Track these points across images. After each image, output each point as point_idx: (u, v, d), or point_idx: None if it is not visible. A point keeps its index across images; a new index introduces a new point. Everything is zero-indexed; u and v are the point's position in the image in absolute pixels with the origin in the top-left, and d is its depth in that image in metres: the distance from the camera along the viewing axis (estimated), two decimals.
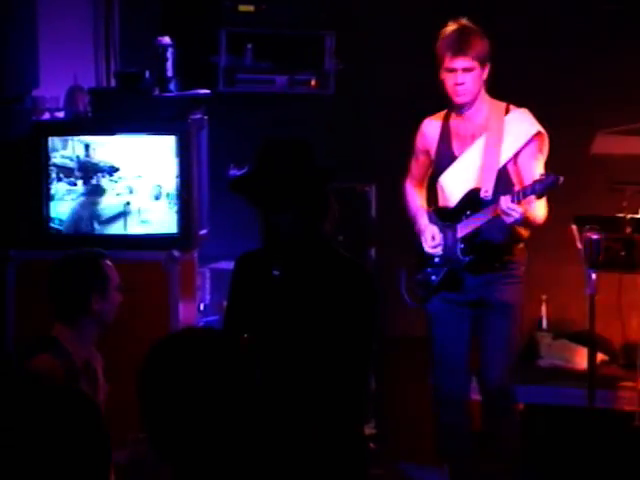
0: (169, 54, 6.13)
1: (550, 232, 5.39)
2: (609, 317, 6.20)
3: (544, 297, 5.95)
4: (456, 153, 5.32)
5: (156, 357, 2.51)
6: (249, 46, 6.50)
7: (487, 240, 5.24)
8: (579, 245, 5.70)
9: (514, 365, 5.39)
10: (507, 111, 5.28)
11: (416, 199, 5.49)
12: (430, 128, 5.41)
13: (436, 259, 5.36)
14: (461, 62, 5.19)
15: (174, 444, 2.48)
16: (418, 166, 5.51)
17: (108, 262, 4.28)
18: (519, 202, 4.97)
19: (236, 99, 6.47)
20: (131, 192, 5.86)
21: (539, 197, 5.00)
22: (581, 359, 5.97)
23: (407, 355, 5.92)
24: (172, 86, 6.13)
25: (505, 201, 4.97)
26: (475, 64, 5.20)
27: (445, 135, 5.37)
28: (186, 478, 2.50)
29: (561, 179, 4.96)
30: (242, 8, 6.49)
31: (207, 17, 6.55)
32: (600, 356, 5.96)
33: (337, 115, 6.57)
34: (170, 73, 6.12)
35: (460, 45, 5.19)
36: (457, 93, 5.23)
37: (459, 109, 5.28)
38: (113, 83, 6.35)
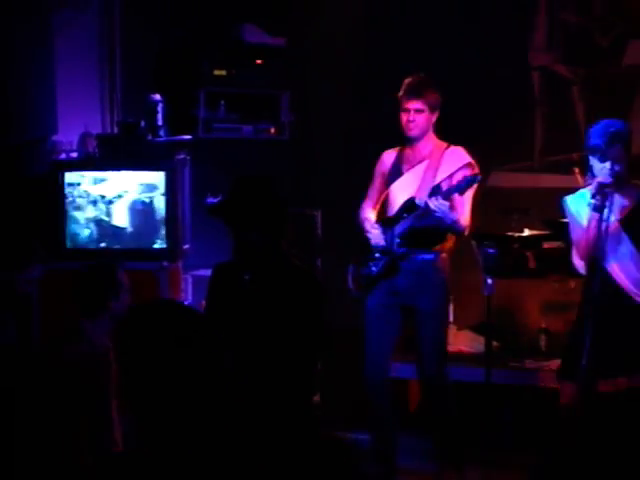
0: (159, 108, 6.26)
1: (454, 244, 5.41)
2: (502, 312, 6.21)
3: (451, 297, 5.87)
4: (404, 172, 5.40)
5: (130, 319, 2.42)
6: (222, 102, 6.50)
7: (418, 235, 5.27)
8: (478, 257, 5.73)
9: (445, 354, 5.40)
10: (447, 147, 5.35)
11: (367, 211, 5.48)
12: (387, 156, 5.48)
13: (376, 254, 5.34)
14: (413, 104, 5.26)
15: (141, 395, 2.33)
16: (374, 189, 5.50)
17: (121, 271, 4.38)
18: (446, 199, 5.11)
19: (212, 143, 6.46)
20: (130, 216, 5.94)
21: (461, 193, 5.10)
22: (479, 345, 6.02)
23: (348, 342, 5.74)
24: (162, 132, 6.26)
25: (433, 199, 5.10)
26: (425, 107, 5.26)
27: (398, 160, 5.44)
28: (149, 428, 2.35)
29: (479, 177, 5.12)
30: (217, 72, 6.47)
31: (189, 79, 6.52)
32: (495, 343, 6.02)
33: (291, 156, 6.58)
34: (160, 122, 6.25)
35: (414, 91, 5.27)
36: (409, 128, 5.30)
37: (410, 141, 5.38)
38: (116, 130, 6.44)
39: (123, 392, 2.45)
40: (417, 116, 5.27)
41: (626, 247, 4.73)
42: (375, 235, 5.34)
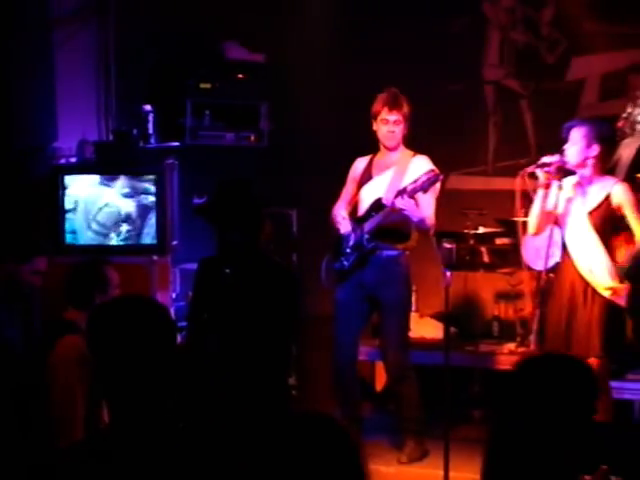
0: (150, 117, 6.36)
1: (417, 242, 5.54)
2: (459, 302, 6.40)
3: (414, 288, 5.91)
4: (374, 176, 5.50)
5: (98, 312, 2.42)
6: (207, 112, 6.56)
7: (385, 232, 5.37)
8: (438, 252, 5.86)
9: (407, 342, 5.53)
10: (414, 156, 5.47)
11: (338, 209, 5.57)
12: (360, 162, 5.59)
13: (347, 250, 5.43)
14: (393, 116, 5.35)
15: (112, 380, 2.32)
16: (346, 192, 5.61)
17: (109, 267, 4.32)
18: (411, 197, 5.19)
19: (198, 149, 6.49)
20: (123, 215, 6.01)
21: (425, 191, 5.18)
22: (439, 331, 6.02)
23: (320, 328, 5.76)
24: (152, 140, 6.35)
25: (399, 200, 5.20)
26: (402, 119, 5.37)
27: (369, 166, 5.54)
28: (121, 410, 2.33)
29: (441, 177, 5.20)
30: (202, 85, 6.55)
31: (177, 91, 6.56)
32: (452, 329, 5.98)
33: (269, 161, 6.64)
34: (151, 130, 6.35)
35: (393, 103, 5.34)
36: (388, 139, 5.40)
37: (383, 149, 5.47)
38: (111, 137, 6.53)
39: (96, 378, 2.37)
40: (396, 127, 5.35)
41: (589, 238, 4.84)
42: (345, 225, 5.42)
